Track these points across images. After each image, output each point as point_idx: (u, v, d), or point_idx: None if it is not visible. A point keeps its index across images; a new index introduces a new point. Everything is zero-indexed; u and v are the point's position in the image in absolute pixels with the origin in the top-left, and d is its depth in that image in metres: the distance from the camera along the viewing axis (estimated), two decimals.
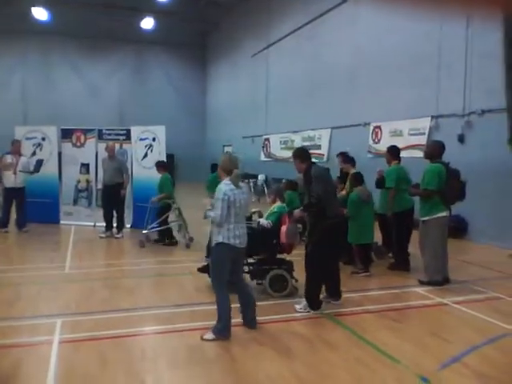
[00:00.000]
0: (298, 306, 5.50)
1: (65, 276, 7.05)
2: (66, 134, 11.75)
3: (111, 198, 9.90)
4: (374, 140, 13.30)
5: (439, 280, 6.51)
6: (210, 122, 29.76)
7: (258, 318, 4.99)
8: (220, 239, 4.60)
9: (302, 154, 5.66)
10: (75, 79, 26.95)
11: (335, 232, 5.49)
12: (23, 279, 6.78)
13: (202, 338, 4.59)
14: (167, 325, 5.02)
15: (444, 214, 6.50)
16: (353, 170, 7.82)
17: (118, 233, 9.96)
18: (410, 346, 4.55)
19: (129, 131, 11.32)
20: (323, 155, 15.88)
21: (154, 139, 10.88)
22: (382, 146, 12.69)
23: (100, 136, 11.52)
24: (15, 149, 10.39)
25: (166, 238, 9.37)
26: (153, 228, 9.25)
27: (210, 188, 8.40)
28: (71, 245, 9.31)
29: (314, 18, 16.33)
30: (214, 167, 10.17)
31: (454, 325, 5.23)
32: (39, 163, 10.56)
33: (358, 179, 7.26)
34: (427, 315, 5.57)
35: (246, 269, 6.22)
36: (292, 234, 6.00)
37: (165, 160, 10.15)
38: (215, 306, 4.71)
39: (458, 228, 10.28)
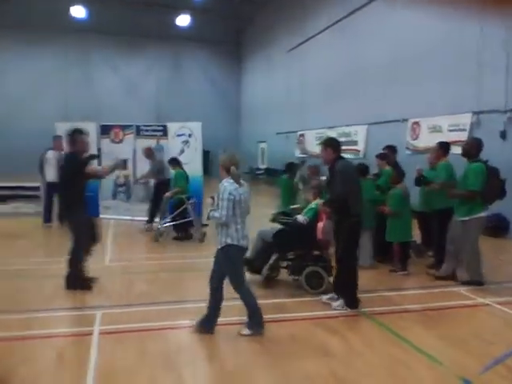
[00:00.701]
0: (335, 304, 5.46)
1: (104, 269, 7.20)
2: (104, 131, 12.01)
3: (155, 195, 10.09)
4: (412, 136, 13.02)
5: (480, 280, 6.34)
6: (244, 118, 29.84)
7: (295, 314, 4.99)
8: (229, 241, 4.49)
9: (334, 144, 5.58)
10: (113, 76, 27.51)
11: (360, 230, 5.48)
12: (63, 271, 6.96)
13: (239, 334, 4.61)
14: (182, 320, 5.07)
15: (484, 214, 6.33)
16: (387, 168, 7.71)
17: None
18: (451, 347, 4.45)
19: (165, 127, 11.47)
20: (359, 151, 15.68)
21: (190, 135, 11.00)
22: (421, 143, 12.45)
23: (138, 132, 11.72)
24: (57, 144, 10.66)
25: (179, 233, 9.56)
26: (165, 223, 9.43)
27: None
28: (110, 238, 9.52)
29: (350, 11, 16.10)
30: (290, 166, 9.76)
31: (497, 326, 5.09)
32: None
33: (400, 176, 7.13)
34: (468, 316, 5.44)
35: (285, 264, 6.24)
36: (328, 231, 5.95)
37: (176, 157, 10.20)
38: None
39: (499, 227, 9.98)
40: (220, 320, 4.87)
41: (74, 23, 24.70)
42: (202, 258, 8.15)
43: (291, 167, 9.62)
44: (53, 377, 3.80)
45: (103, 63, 27.37)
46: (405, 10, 13.29)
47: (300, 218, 6.25)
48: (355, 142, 16.01)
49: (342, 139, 16.74)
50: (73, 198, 5.91)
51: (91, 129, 11.86)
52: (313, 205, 6.38)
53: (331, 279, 5.89)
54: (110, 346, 4.38)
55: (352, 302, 5.40)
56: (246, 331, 4.62)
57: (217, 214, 4.45)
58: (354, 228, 5.32)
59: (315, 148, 19.04)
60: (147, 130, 11.73)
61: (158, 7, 24.91)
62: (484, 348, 4.45)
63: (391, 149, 8.46)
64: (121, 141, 11.79)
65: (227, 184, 4.47)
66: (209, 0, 24.07)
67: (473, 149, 6.43)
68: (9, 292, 5.93)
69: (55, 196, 10.45)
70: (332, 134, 17.59)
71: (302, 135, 20.44)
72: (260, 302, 4.99)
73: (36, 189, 11.17)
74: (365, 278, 6.77)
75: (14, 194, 11.94)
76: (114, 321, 5.02)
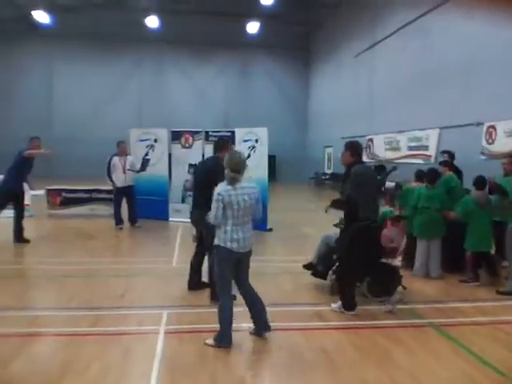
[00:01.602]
0: (333, 305, 5.48)
1: (172, 269, 7.45)
2: (175, 136, 12.42)
3: None
4: (487, 141, 12.39)
5: None
6: (311, 123, 29.73)
7: (359, 322, 4.92)
8: (216, 241, 4.48)
9: (354, 147, 5.57)
10: (184, 84, 28.40)
11: (366, 235, 5.28)
12: (134, 271, 7.29)
13: (204, 343, 4.51)
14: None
15: None
16: (447, 173, 7.43)
17: None
18: None
19: (233, 133, 11.67)
20: (430, 156, 15.13)
21: (256, 141, 11.13)
22: (497, 147, 11.82)
23: (206, 137, 12.02)
24: (121, 150, 11.11)
25: None
26: None
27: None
28: (179, 240, 9.82)
29: (422, 13, 15.61)
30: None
31: None
32: (145, 162, 11.28)
33: (480, 183, 6.78)
34: None
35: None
36: (393, 238, 5.87)
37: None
38: (314, 308, 4.69)
39: None
40: (284, 325, 4.88)
41: (148, 33, 25.77)
42: (267, 262, 8.24)
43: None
44: (121, 371, 3.99)
45: (175, 71, 28.36)
46: (480, 11, 12.70)
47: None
48: (426, 147, 15.47)
49: (412, 144, 16.31)
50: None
51: (163, 135, 12.38)
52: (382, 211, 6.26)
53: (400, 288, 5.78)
54: (174, 344, 4.53)
55: (348, 304, 5.36)
56: (209, 341, 4.51)
57: (210, 215, 4.44)
58: (359, 232, 5.25)
59: (384, 153, 18.63)
60: (215, 136, 11.98)
61: (227, 15, 25.44)
62: None
63: (450, 154, 8.14)
64: (190, 146, 12.14)
65: (220, 185, 4.43)
66: (278, 6, 24.22)
67: None
68: (79, 290, 6.28)
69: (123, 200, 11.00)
70: (402, 138, 17.18)
71: (370, 140, 20.06)
72: (323, 308, 4.96)
73: (111, 192, 11.74)
74: (433, 289, 6.59)
75: (91, 197, 12.64)
76: (178, 321, 5.18)
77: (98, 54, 27.10)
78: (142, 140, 12.33)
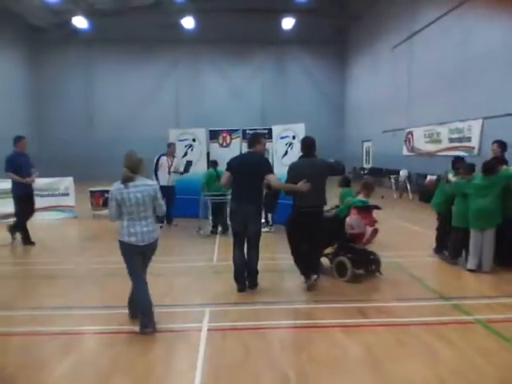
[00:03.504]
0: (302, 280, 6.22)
1: (213, 267, 7.51)
2: (213, 135, 12.52)
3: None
4: None
5: None
6: (349, 117, 29.35)
7: (407, 319, 4.95)
8: (118, 236, 4.84)
9: (301, 142, 6.42)
10: (221, 82, 28.58)
11: (301, 220, 6.01)
12: (175, 270, 7.40)
13: (129, 329, 4.81)
14: (306, 320, 5.09)
15: None
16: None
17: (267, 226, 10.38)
18: None
19: (270, 130, 11.66)
20: (473, 148, 14.66)
21: (294, 137, 11.07)
22: None
23: (244, 136, 12.05)
24: (171, 151, 11.34)
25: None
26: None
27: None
28: (218, 238, 9.90)
29: (462, 1, 15.14)
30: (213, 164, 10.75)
31: None
32: (189, 164, 11.42)
33: None
34: None
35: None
36: (353, 225, 6.45)
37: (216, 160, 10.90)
38: (355, 304, 4.63)
39: None
40: (325, 322, 4.85)
41: (184, 34, 26.07)
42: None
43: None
44: (166, 368, 4.07)
45: (211, 70, 28.57)
46: None
47: (329, 213, 6.83)
48: (469, 139, 15.00)
49: (453, 135, 15.86)
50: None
51: (201, 134, 12.51)
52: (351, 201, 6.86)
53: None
54: (216, 342, 4.57)
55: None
56: (136, 328, 4.75)
57: (108, 212, 4.88)
58: (292, 217, 6.15)
59: (425, 146, 18.19)
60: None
61: (262, 12, 25.43)
62: None
63: (500, 143, 7.86)
64: (228, 145, 12.22)
65: (113, 185, 4.78)
66: (312, 1, 24.02)
67: None
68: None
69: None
70: (443, 130, 16.73)
71: (409, 133, 19.63)
72: (365, 305, 4.88)
73: None
74: (483, 283, 6.41)
75: None
76: (221, 318, 5.24)
77: (136, 57, 27.64)
78: (180, 140, 12.48)
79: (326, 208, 6.55)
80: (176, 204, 11.35)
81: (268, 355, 4.25)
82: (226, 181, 6.21)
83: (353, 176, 25.97)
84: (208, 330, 4.86)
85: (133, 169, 4.77)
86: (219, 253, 8.52)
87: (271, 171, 6.12)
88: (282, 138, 11.26)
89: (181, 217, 11.45)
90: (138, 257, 4.84)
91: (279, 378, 3.87)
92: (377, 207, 6.89)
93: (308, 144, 6.25)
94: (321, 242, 6.38)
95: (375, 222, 6.76)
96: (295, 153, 10.89)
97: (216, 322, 5.09)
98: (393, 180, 18.81)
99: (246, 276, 6.18)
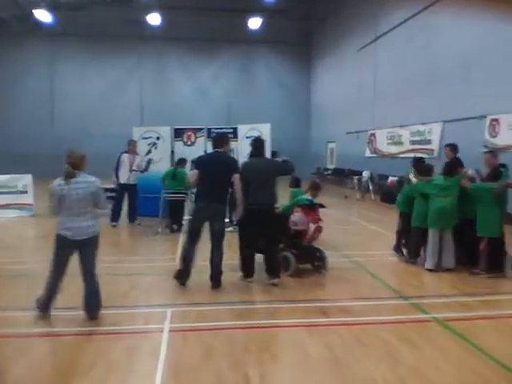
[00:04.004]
0: (238, 274, 6.53)
1: (175, 267, 7.36)
2: (178, 134, 12.43)
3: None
4: (490, 134, 12.33)
5: None
6: (314, 118, 29.65)
7: (367, 318, 5.00)
8: (55, 230, 4.95)
9: (252, 143, 6.63)
10: (186, 81, 28.34)
11: (252, 218, 6.18)
12: (137, 270, 7.28)
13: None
14: (268, 319, 5.10)
15: None
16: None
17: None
18: None
19: (236, 129, 11.67)
20: (433, 150, 15.07)
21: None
22: (500, 140, 11.76)
23: (209, 135, 12.01)
24: (131, 148, 11.15)
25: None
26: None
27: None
28: (181, 238, 9.81)
29: (426, 6, 15.50)
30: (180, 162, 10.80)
31: None
32: (149, 163, 11.28)
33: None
34: None
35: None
36: (296, 222, 6.74)
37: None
38: (308, 304, 4.65)
39: None
40: (286, 322, 4.88)
41: (150, 30, 25.72)
42: None
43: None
44: (126, 370, 4.00)
45: (177, 68, 28.29)
46: (483, 4, 12.61)
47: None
48: (429, 141, 15.41)
49: (415, 138, 16.25)
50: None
51: (165, 132, 12.39)
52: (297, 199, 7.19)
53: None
54: (178, 343, 4.52)
55: (243, 272, 6.46)
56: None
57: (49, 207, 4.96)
58: (245, 214, 6.22)
59: (387, 147, 18.57)
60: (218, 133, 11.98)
61: (229, 11, 25.35)
62: None
63: (452, 147, 8.14)
64: (193, 143, 12.15)
65: (55, 181, 4.88)
66: (280, 1, 24.12)
67: None
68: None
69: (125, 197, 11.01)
70: (404, 132, 17.13)
71: (372, 134, 20.00)
72: (329, 304, 4.93)
73: (114, 190, 11.72)
74: (441, 282, 6.57)
75: None
76: (183, 319, 5.18)
77: (100, 53, 27.07)
78: (144, 138, 12.33)
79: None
80: (140, 203, 11.20)
81: (230, 356, 4.24)
82: (195, 179, 6.22)
83: (317, 176, 26.29)
84: (170, 331, 4.80)
85: (75, 165, 4.86)
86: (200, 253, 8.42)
87: (238, 172, 6.21)
88: (248, 137, 11.28)
89: (145, 216, 11.27)
90: (68, 252, 4.97)
91: (241, 378, 3.85)
92: (321, 205, 7.25)
93: (257, 145, 6.56)
94: (275, 239, 6.58)
95: (319, 219, 7.07)
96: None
97: (178, 323, 5.04)
98: (356, 181, 19.13)
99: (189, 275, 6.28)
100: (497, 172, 6.88)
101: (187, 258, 6.20)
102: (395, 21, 17.84)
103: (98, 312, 5.05)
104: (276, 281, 6.30)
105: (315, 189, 7.31)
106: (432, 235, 7.11)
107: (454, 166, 7.27)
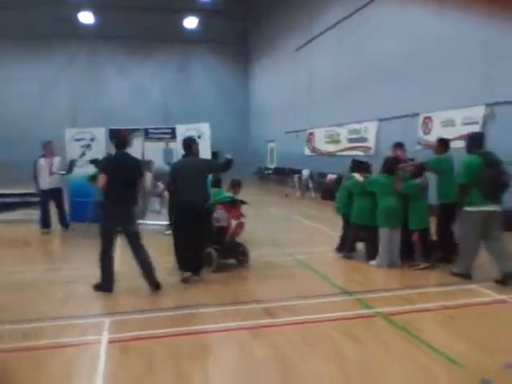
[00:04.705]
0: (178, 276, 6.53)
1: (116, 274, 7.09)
2: (113, 135, 11.93)
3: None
4: (424, 131, 12.80)
5: (465, 273, 6.29)
6: (253, 118, 29.75)
7: (313, 316, 5.02)
8: None
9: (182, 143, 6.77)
10: (122, 80, 27.59)
11: (182, 216, 6.42)
12: (72, 278, 6.90)
13: None
14: (212, 324, 4.95)
15: (480, 208, 6.09)
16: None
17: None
18: (469, 347, 4.26)
19: (174, 130, 11.37)
20: (370, 148, 15.47)
21: (199, 137, 10.86)
22: (433, 137, 12.21)
23: (146, 135, 11.62)
24: (47, 151, 10.57)
25: None
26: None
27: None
28: (119, 242, 9.43)
29: (359, 7, 15.91)
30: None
31: None
32: (72, 164, 10.77)
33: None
34: (486, 314, 5.24)
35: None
36: (218, 219, 6.97)
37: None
38: (253, 305, 4.55)
39: None
40: (231, 325, 4.76)
41: (83, 29, 24.82)
42: None
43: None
44: None
45: (111, 68, 27.48)
46: (414, 5, 13.07)
47: None
48: (365, 139, 15.82)
49: (352, 136, 16.62)
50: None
51: (100, 134, 11.85)
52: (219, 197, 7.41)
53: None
54: (117, 353, 4.28)
55: (179, 265, 6.48)
56: None
57: None
58: (176, 213, 6.61)
59: (325, 146, 18.89)
60: (155, 133, 11.63)
61: (165, 10, 24.90)
62: (503, 346, 4.29)
63: (396, 146, 8.38)
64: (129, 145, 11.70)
65: None
66: (216, 2, 23.97)
67: (468, 142, 6.50)
68: (15, 301, 5.87)
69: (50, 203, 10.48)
70: (342, 131, 17.49)
71: (311, 133, 20.28)
72: (273, 304, 4.85)
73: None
74: (384, 277, 6.68)
75: (24, 201, 11.94)
76: (122, 328, 4.93)
77: (31, 51, 25.85)
78: (77, 140, 11.74)
79: None
80: (74, 207, 10.70)
81: (172, 364, 4.04)
82: (103, 182, 5.95)
83: (258, 176, 26.39)
84: (109, 342, 4.54)
85: None
86: (120, 258, 8.08)
87: (142, 174, 6.46)
88: None
89: (80, 221, 10.76)
90: None
91: None
92: (243, 202, 7.48)
93: (187, 144, 6.65)
94: (204, 237, 6.62)
95: (241, 215, 7.31)
96: (202, 152, 10.68)
97: (117, 333, 4.78)
98: (296, 179, 19.33)
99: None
100: (422, 166, 7.20)
101: (106, 268, 6.04)
102: (328, 22, 18.21)
103: None
104: (196, 278, 6.43)
105: (235, 186, 7.67)
106: (383, 235, 7.14)
107: (392, 163, 7.42)
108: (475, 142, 6.43)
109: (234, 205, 7.26)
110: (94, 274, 6.27)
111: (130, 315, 5.28)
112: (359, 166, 8.09)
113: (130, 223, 6.04)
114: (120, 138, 6.42)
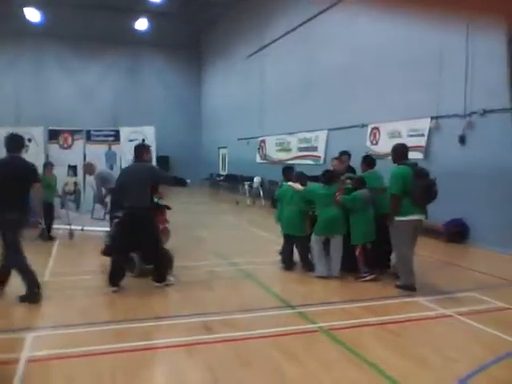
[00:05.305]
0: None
1: (44, 284, 6.57)
2: (53, 135, 11.36)
3: None
4: (371, 141, 12.92)
5: (408, 285, 6.22)
6: (205, 123, 29.38)
7: (252, 332, 4.80)
8: None
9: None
10: (68, 81, 26.55)
11: (124, 220, 6.48)
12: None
13: None
14: (146, 340, 4.62)
15: (410, 217, 6.10)
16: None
17: None
18: (413, 366, 4.12)
19: (118, 132, 10.96)
20: (320, 157, 15.50)
21: (143, 140, 10.49)
22: (380, 148, 12.34)
23: (88, 137, 11.14)
24: None
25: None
26: None
27: None
28: (55, 250, 8.90)
29: (309, 18, 15.96)
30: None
31: (460, 340, 4.81)
32: None
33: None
34: (430, 329, 5.13)
35: None
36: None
37: None
38: (191, 319, 4.29)
39: (459, 232, 9.94)
40: (165, 341, 4.46)
41: (28, 26, 23.70)
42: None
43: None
44: None
45: (58, 68, 26.38)
46: (364, 17, 13.21)
47: None
48: (315, 148, 15.84)
49: (302, 145, 16.61)
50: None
51: (38, 134, 11.27)
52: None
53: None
54: (36, 374, 3.88)
55: (110, 280, 6.23)
56: None
57: None
58: (122, 218, 6.57)
59: (276, 154, 18.82)
60: (98, 135, 11.17)
61: (115, 11, 24.15)
62: (447, 365, 4.18)
63: (343, 154, 8.37)
64: (70, 146, 11.15)
65: None
66: (168, 4, 23.49)
67: (395, 154, 6.48)
68: None
69: None
70: (292, 139, 17.46)
71: (262, 141, 20.18)
72: (212, 318, 4.59)
73: None
74: (327, 289, 6.52)
75: None
76: (46, 345, 4.51)
77: None
78: None
79: None
80: None
81: None
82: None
83: (209, 182, 26.06)
84: (28, 361, 4.11)
85: None
86: (54, 267, 7.59)
87: (38, 179, 5.92)
88: (130, 140, 10.62)
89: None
90: None
91: None
92: (167, 207, 7.57)
93: (137, 150, 6.68)
94: (152, 241, 6.46)
95: (166, 221, 7.45)
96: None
97: (38, 351, 4.35)
98: (247, 187, 19.14)
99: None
100: (362, 179, 7.10)
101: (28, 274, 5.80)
102: (279, 31, 18.21)
103: None
104: (166, 282, 6.44)
105: (160, 192, 7.54)
106: (315, 243, 7.05)
107: (331, 174, 7.35)
108: (399, 153, 6.44)
109: (158, 210, 7.20)
110: (17, 282, 5.78)
111: (56, 330, 4.87)
112: (291, 173, 7.95)
113: (6, 231, 5.71)
114: (13, 141, 5.93)
